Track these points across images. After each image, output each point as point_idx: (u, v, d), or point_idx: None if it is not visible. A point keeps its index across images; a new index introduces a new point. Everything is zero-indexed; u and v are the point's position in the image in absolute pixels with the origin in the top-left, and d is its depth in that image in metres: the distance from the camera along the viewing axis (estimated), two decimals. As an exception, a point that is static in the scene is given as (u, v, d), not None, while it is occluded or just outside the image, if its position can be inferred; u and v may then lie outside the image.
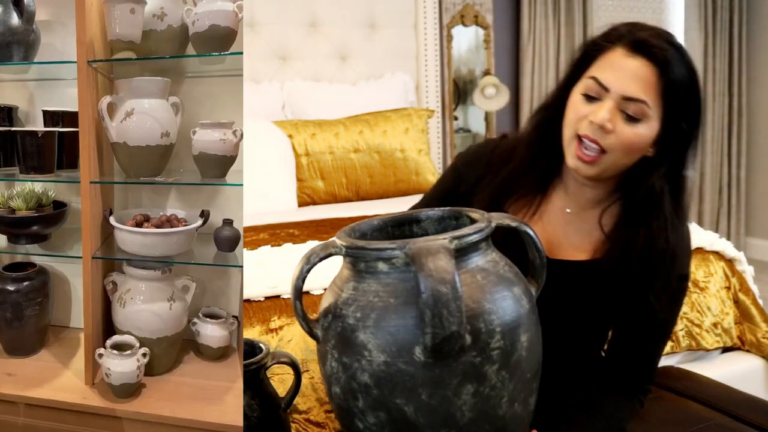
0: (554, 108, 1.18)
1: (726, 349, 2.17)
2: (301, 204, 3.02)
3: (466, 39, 3.93)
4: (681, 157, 1.13)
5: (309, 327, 0.98)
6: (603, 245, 1.18)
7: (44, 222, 1.92)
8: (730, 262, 2.21)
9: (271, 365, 1.22)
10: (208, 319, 1.98)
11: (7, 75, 2.08)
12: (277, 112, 3.32)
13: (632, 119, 1.07)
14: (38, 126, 2.04)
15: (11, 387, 1.82)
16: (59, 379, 1.88)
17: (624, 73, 1.07)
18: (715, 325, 2.11)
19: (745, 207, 4.70)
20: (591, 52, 1.13)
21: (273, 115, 3.26)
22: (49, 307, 2.06)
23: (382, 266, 0.92)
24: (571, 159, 1.12)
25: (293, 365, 1.25)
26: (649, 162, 1.13)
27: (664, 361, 2.03)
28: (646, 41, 1.07)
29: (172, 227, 1.81)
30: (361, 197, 3.16)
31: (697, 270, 2.13)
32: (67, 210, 1.99)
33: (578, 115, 1.10)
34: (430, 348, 0.84)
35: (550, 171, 1.23)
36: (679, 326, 2.08)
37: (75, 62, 1.68)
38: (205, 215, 1.90)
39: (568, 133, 1.13)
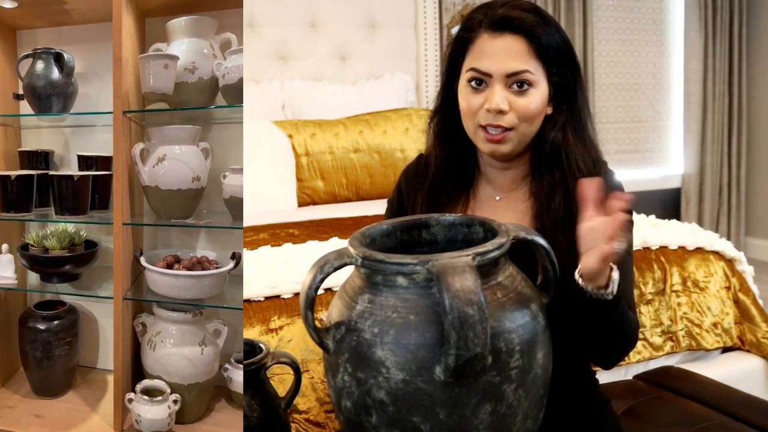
0: (445, 108, 1.23)
1: (726, 349, 2.17)
2: (301, 204, 3.02)
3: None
4: (575, 104, 1.19)
5: (320, 338, 0.94)
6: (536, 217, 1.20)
7: (76, 261, 1.93)
8: (730, 262, 2.21)
9: (271, 365, 1.22)
10: (240, 365, 1.93)
11: (46, 123, 2.18)
12: (277, 112, 3.32)
13: (523, 90, 1.13)
14: (72, 169, 2.10)
15: (39, 429, 1.79)
16: (87, 424, 1.83)
17: (498, 54, 1.12)
18: (715, 325, 2.11)
19: (745, 207, 4.70)
20: (459, 47, 1.18)
21: (273, 115, 3.26)
22: (78, 348, 2.05)
23: (401, 281, 0.89)
24: (483, 145, 1.17)
25: (293, 365, 1.25)
26: (549, 119, 1.18)
27: (664, 361, 2.04)
28: (504, 18, 1.12)
29: (203, 269, 1.79)
30: (361, 197, 3.15)
31: (697, 270, 2.13)
32: (98, 249, 2.00)
33: (472, 107, 1.15)
34: (453, 369, 0.83)
35: (468, 167, 1.26)
36: (679, 326, 2.08)
37: (111, 113, 1.75)
38: (236, 257, 1.88)
39: (470, 125, 1.17)
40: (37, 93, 1.93)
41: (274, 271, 1.82)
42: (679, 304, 2.09)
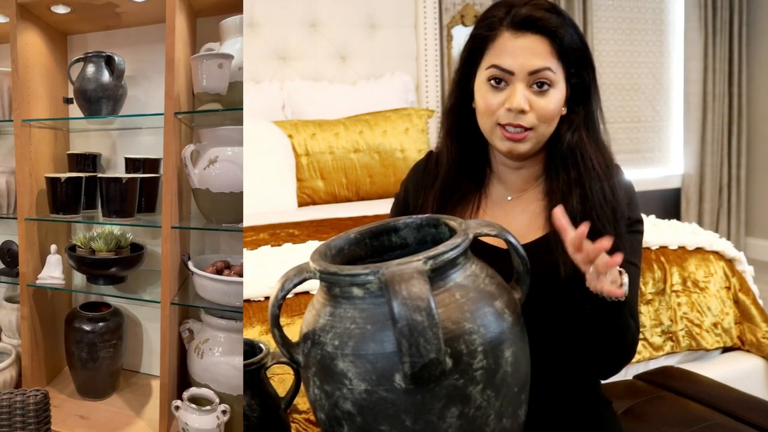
0: (459, 105, 1.21)
1: (726, 349, 2.17)
2: (301, 204, 3.02)
3: (466, 39, 3.93)
4: (589, 105, 1.18)
5: (290, 353, 0.95)
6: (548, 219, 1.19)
7: (122, 264, 1.94)
8: (730, 262, 2.21)
9: (271, 365, 1.22)
10: None
11: (94, 126, 2.18)
12: (277, 112, 3.32)
13: (543, 90, 1.12)
14: (119, 171, 2.11)
15: (85, 431, 1.80)
16: (133, 428, 1.83)
17: (520, 52, 1.11)
18: (715, 325, 2.11)
19: (745, 207, 4.70)
20: (477, 45, 1.17)
21: (273, 115, 3.25)
22: (123, 351, 2.06)
23: (356, 291, 0.89)
24: (501, 144, 1.15)
25: (293, 365, 1.25)
26: (565, 120, 1.17)
27: (664, 361, 2.04)
28: (528, 18, 1.11)
29: None
30: (361, 197, 3.15)
31: (697, 270, 2.13)
32: (144, 253, 2.01)
33: (491, 106, 1.13)
34: (410, 376, 0.82)
35: (480, 166, 1.25)
36: (679, 326, 2.08)
37: (162, 114, 1.73)
38: None
39: (487, 123, 1.15)
40: (88, 96, 1.93)
41: (274, 271, 1.82)
42: (679, 304, 2.09)
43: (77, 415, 1.90)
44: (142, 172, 2.01)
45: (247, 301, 1.75)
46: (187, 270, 1.81)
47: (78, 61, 1.97)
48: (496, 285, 0.95)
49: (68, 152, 2.17)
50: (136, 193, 1.91)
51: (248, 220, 2.15)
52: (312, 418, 1.63)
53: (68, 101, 2.08)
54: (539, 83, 1.11)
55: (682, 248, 2.17)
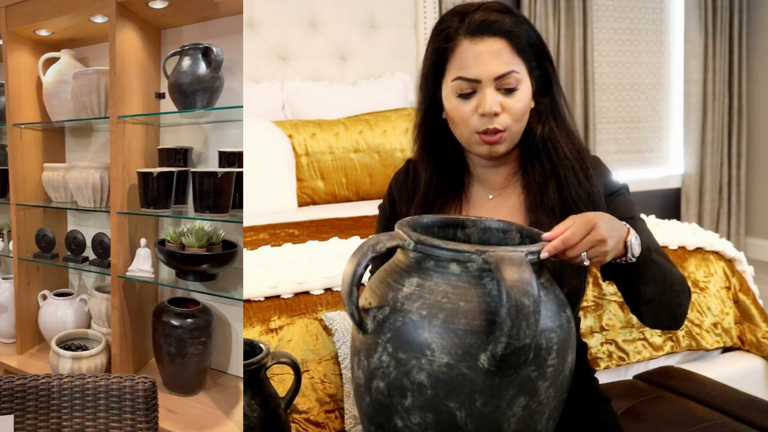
0: (429, 117, 1.24)
1: (726, 349, 2.17)
2: (301, 204, 3.02)
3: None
4: (553, 95, 1.22)
5: (360, 317, 0.95)
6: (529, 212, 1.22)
7: (214, 261, 1.91)
8: (730, 262, 2.21)
9: (271, 365, 1.22)
10: None
11: (186, 119, 2.15)
12: (277, 112, 3.32)
13: (511, 90, 1.15)
14: (210, 165, 2.08)
15: (173, 425, 1.79)
16: (222, 428, 1.81)
17: (482, 59, 1.14)
18: (715, 325, 2.11)
19: (745, 207, 4.70)
20: (439, 57, 1.19)
21: (273, 115, 3.25)
22: (211, 349, 2.02)
23: (454, 268, 0.91)
24: (479, 149, 1.18)
25: (293, 365, 1.26)
26: (534, 112, 1.21)
27: (664, 361, 2.04)
28: (483, 22, 1.14)
29: None
30: (361, 197, 3.15)
31: (697, 270, 2.13)
32: (237, 251, 1.96)
33: (464, 114, 1.16)
34: (500, 357, 0.85)
35: (458, 171, 1.28)
36: (679, 326, 2.08)
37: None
38: None
39: (464, 133, 1.18)
40: (183, 90, 1.89)
41: (274, 271, 1.82)
42: (679, 304, 2.09)
43: (165, 408, 1.87)
44: (236, 166, 1.94)
45: (247, 301, 1.75)
46: None
47: (174, 54, 1.94)
48: (563, 294, 0.99)
49: (159, 147, 2.14)
50: (231, 188, 1.86)
51: (248, 220, 2.15)
52: (312, 418, 1.63)
53: (160, 96, 2.04)
54: (507, 85, 1.14)
55: (682, 248, 2.17)
